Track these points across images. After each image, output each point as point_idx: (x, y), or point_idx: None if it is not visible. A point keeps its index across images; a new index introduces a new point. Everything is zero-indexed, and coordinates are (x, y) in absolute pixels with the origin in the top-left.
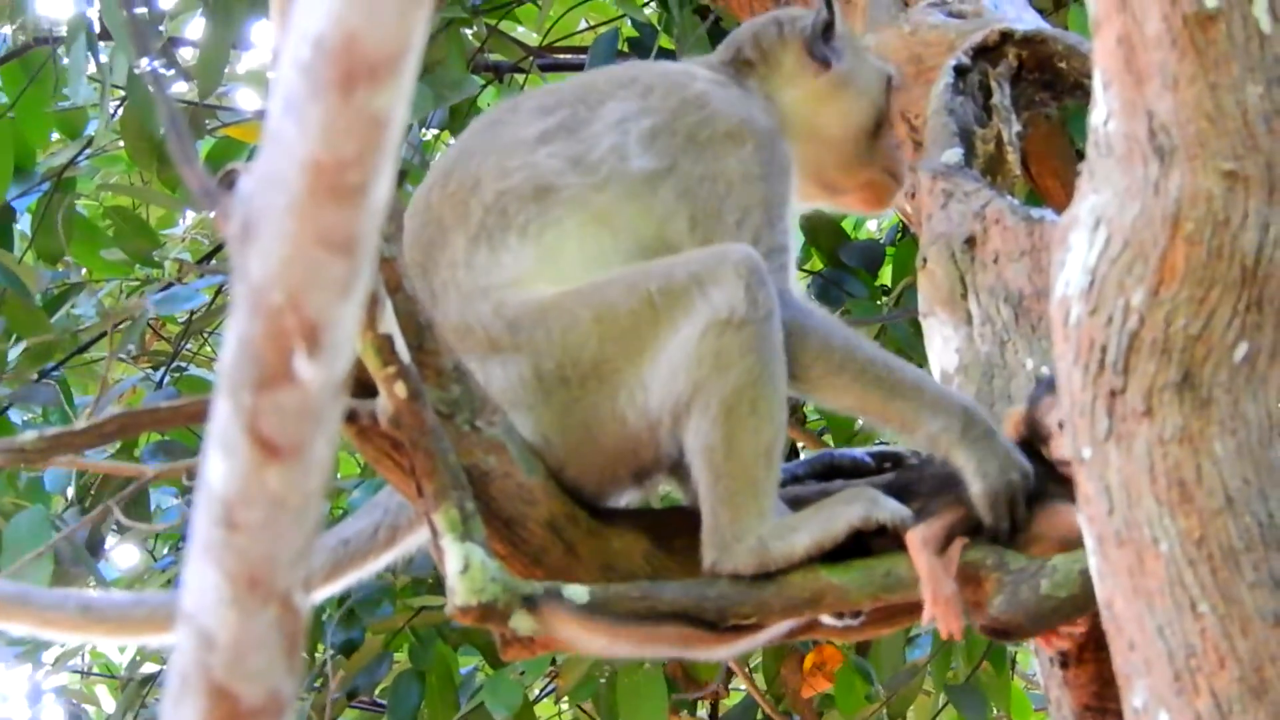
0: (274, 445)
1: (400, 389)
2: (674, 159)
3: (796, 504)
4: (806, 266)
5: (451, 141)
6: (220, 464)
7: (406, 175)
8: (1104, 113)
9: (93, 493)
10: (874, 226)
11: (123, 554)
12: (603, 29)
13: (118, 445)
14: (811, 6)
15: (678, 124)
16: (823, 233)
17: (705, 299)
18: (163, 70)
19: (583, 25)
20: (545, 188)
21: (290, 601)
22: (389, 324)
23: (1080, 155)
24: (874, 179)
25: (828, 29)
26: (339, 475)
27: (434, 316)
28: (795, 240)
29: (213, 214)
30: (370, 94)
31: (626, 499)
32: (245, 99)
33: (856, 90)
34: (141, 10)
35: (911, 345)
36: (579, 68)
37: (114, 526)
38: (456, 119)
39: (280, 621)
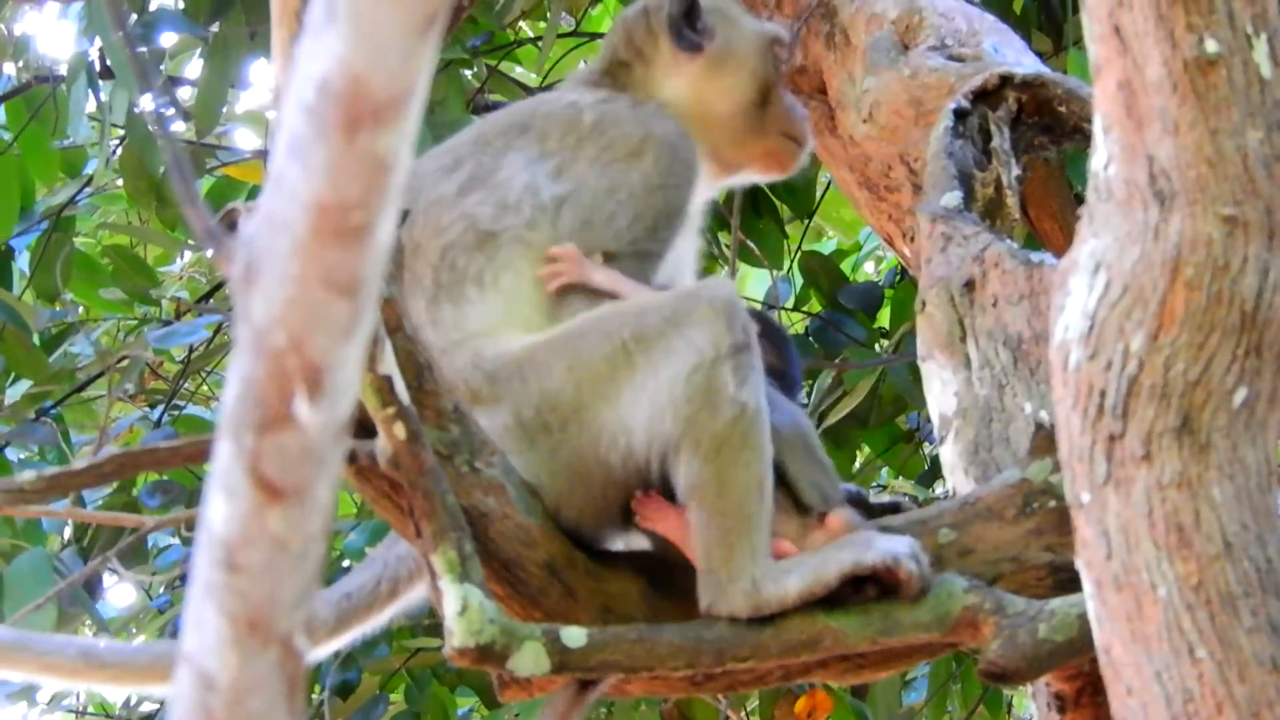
0: (276, 487)
1: (399, 430)
2: (580, 180)
3: None
4: (805, 309)
5: None
6: (222, 506)
7: (408, 214)
8: (1104, 157)
9: (90, 532)
10: (872, 270)
11: (120, 593)
12: None
13: (115, 485)
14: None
15: (580, 155)
16: (822, 275)
17: (685, 339)
18: (162, 109)
19: (582, 66)
20: (486, 234)
21: (291, 644)
22: (388, 365)
23: (1079, 199)
24: (770, 147)
25: (690, 12)
26: (337, 514)
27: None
28: (689, 241)
29: (215, 255)
30: (375, 136)
31: (625, 541)
32: (244, 138)
33: (734, 64)
34: (142, 49)
35: (911, 389)
36: None
37: (111, 568)
38: None
39: (281, 664)
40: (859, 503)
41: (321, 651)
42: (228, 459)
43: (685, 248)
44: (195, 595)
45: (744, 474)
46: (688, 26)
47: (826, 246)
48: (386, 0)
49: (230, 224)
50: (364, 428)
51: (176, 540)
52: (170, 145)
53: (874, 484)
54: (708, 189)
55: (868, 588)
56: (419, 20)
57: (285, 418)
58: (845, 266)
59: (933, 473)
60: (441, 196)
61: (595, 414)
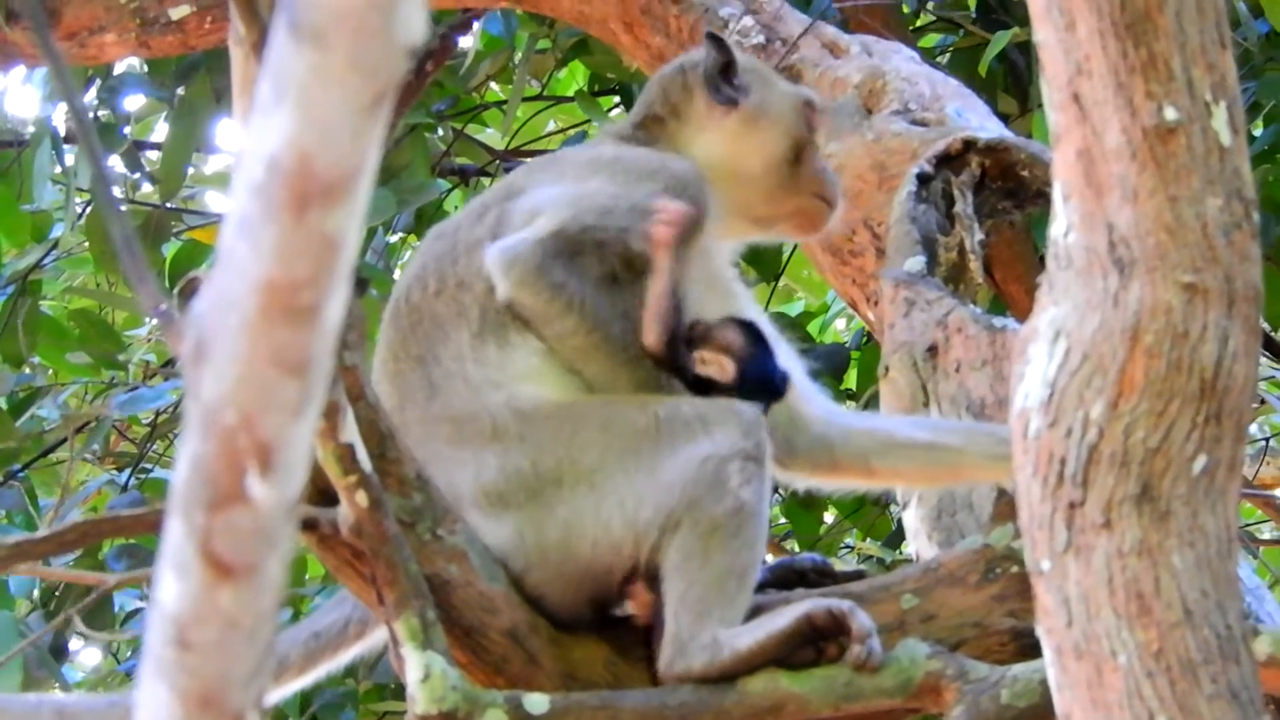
0: (227, 565)
1: (361, 498)
2: (588, 185)
3: (757, 612)
4: None
5: (417, 245)
6: (173, 584)
7: (370, 282)
8: (1064, 225)
9: (57, 595)
10: (842, 328)
11: (87, 657)
12: (571, 131)
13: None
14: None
15: (594, 178)
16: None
17: (708, 434)
18: (127, 174)
19: (550, 128)
20: None
21: None
22: (350, 433)
23: (1045, 262)
24: (802, 205)
25: (727, 68)
26: (306, 576)
27: (394, 425)
28: (721, 290)
29: (165, 333)
30: (324, 215)
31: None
32: (212, 200)
33: (769, 122)
34: (106, 112)
35: None
36: None
37: (78, 631)
38: (422, 223)
39: None
40: (825, 573)
41: (287, 690)
42: (178, 537)
43: (713, 294)
44: (147, 672)
45: (730, 559)
46: (724, 83)
47: (795, 307)
48: (334, 80)
49: (192, 293)
50: (326, 495)
51: (143, 604)
52: (120, 222)
53: (842, 545)
54: (733, 239)
55: (829, 648)
56: (367, 100)
57: (236, 496)
58: (814, 327)
59: (900, 534)
60: (476, 239)
61: (609, 476)
